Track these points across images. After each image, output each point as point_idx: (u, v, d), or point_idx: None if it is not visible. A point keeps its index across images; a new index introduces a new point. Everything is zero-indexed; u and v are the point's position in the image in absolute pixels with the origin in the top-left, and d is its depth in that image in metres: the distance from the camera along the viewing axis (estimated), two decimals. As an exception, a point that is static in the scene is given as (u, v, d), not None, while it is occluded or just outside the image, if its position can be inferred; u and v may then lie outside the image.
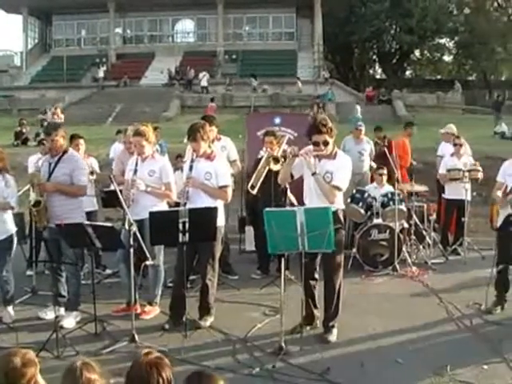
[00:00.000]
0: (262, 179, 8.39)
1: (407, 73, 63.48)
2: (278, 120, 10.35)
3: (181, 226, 6.06)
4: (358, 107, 31.87)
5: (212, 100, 35.38)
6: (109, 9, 47.92)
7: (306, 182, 6.36)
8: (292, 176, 6.48)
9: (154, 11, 48.41)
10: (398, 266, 9.08)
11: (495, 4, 57.95)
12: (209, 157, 6.73)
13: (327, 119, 6.35)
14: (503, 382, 5.33)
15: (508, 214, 7.11)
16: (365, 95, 40.93)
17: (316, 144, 6.18)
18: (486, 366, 5.64)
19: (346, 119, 29.20)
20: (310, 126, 6.35)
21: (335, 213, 6.11)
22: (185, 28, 52.91)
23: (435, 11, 51.31)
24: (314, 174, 6.11)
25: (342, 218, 6.36)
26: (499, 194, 7.31)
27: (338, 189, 6.21)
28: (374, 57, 62.07)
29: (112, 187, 6.72)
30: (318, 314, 6.56)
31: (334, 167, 6.21)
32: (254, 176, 8.47)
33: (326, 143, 6.17)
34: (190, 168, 6.64)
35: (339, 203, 6.32)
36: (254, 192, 8.48)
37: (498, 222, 7.28)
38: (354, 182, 10.94)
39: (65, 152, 6.93)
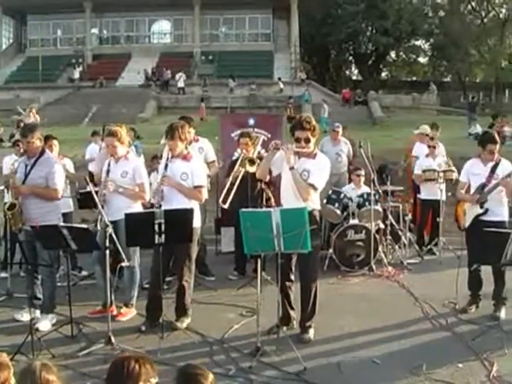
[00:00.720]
0: (234, 189, 8.38)
1: (383, 74, 63.90)
2: (251, 121, 10.34)
3: (157, 228, 6.04)
4: (326, 107, 32.00)
5: (202, 100, 35.38)
6: (85, 9, 47.69)
7: (283, 178, 6.38)
8: (270, 172, 6.49)
9: (130, 12, 48.27)
10: (374, 266, 9.12)
11: (469, 7, 58.57)
12: (185, 157, 6.72)
13: (311, 117, 6.38)
14: (478, 380, 5.38)
15: (476, 215, 7.20)
16: (341, 96, 41.10)
17: (298, 140, 6.21)
18: (461, 365, 5.69)
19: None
20: (294, 122, 6.38)
21: (311, 213, 6.13)
22: (161, 29, 52.85)
23: (410, 13, 51.81)
24: (291, 168, 6.13)
25: (317, 219, 6.38)
26: (463, 192, 7.40)
27: (314, 187, 6.22)
28: (351, 58, 62.40)
29: (88, 188, 6.68)
30: (295, 314, 6.57)
31: (313, 167, 6.23)
32: (225, 190, 8.47)
33: (307, 140, 6.19)
34: (166, 167, 6.62)
35: (315, 204, 6.34)
36: (226, 206, 8.47)
37: (466, 222, 7.36)
38: (332, 183, 11.00)
39: (41, 154, 6.87)
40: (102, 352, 5.91)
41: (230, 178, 8.49)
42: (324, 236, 9.84)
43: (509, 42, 59.70)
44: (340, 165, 11.58)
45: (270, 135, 9.69)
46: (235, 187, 8.38)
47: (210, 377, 3.02)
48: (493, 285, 7.20)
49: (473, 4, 58.26)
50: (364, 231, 9.24)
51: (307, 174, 6.19)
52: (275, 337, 6.09)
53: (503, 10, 57.94)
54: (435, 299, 7.70)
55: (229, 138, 10.52)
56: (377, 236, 9.29)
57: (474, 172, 7.37)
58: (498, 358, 5.79)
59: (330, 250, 9.26)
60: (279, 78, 43.43)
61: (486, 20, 58.53)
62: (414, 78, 65.13)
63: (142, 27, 51.71)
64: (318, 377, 5.44)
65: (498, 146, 7.21)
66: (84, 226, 6.81)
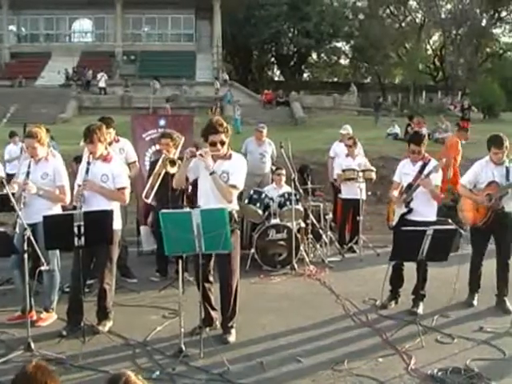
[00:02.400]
0: (157, 184, 8.34)
1: (305, 75, 64.74)
2: (162, 122, 10.30)
3: (76, 230, 5.93)
4: (238, 107, 32.17)
5: (167, 101, 34.94)
6: (2, 5, 46.47)
7: (201, 184, 6.37)
8: (187, 179, 6.48)
9: (50, 9, 47.28)
10: (295, 265, 9.20)
11: (388, 11, 60.10)
12: (105, 159, 6.63)
13: (222, 120, 6.38)
14: (397, 373, 5.51)
15: (402, 213, 7.39)
16: (263, 97, 41.34)
17: (213, 144, 6.20)
18: (381, 359, 5.84)
19: (244, 121, 29.61)
20: (205, 126, 6.35)
21: (230, 213, 6.17)
22: (82, 27, 52.03)
23: (332, 16, 52.65)
24: (212, 173, 6.12)
25: (237, 219, 6.41)
26: (395, 193, 7.58)
27: (236, 188, 6.25)
28: (273, 59, 62.94)
29: (5, 191, 6.51)
30: (216, 315, 6.57)
31: (231, 167, 6.25)
32: (148, 186, 8.42)
33: (222, 143, 6.20)
34: (87, 171, 6.51)
35: (234, 204, 6.38)
36: (149, 201, 8.42)
37: (394, 221, 7.56)
38: (256, 183, 11.09)
39: None
40: (22, 359, 5.73)
41: (153, 175, 8.43)
42: (246, 236, 9.90)
43: (425, 46, 61.59)
44: (264, 165, 11.66)
45: (182, 136, 9.65)
46: (157, 184, 8.33)
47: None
48: (411, 281, 7.40)
49: (391, 8, 59.91)
50: (285, 230, 9.33)
51: (226, 176, 6.20)
52: (198, 338, 6.08)
53: (419, 15, 59.73)
54: (356, 296, 7.86)
55: (140, 139, 10.45)
56: (298, 235, 9.38)
57: (405, 172, 7.57)
58: (416, 351, 5.97)
59: (252, 250, 9.31)
60: (216, 78, 43.47)
61: (403, 24, 60.25)
62: (335, 79, 66.32)
63: (62, 25, 50.71)
64: (241, 376, 5.46)
65: (422, 148, 7.38)
66: (1, 229, 6.63)
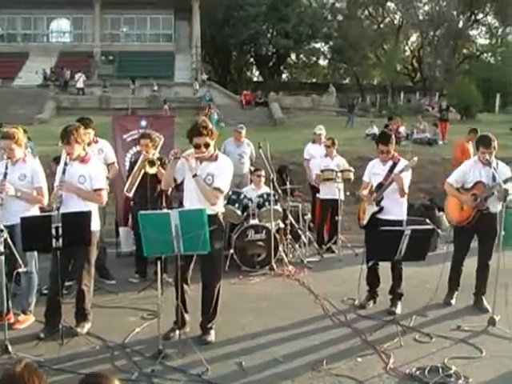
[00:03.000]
0: (137, 183, 8.33)
1: (283, 76, 64.92)
2: (144, 123, 10.26)
3: (54, 231, 5.90)
4: (216, 109, 32.19)
5: (165, 102, 34.79)
6: (-22, 5, 45.97)
7: (186, 185, 6.35)
8: (175, 180, 6.46)
9: (27, 9, 46.92)
10: (274, 266, 9.22)
11: (366, 12, 60.50)
12: (83, 160, 6.58)
13: (207, 121, 6.36)
14: (376, 373, 5.56)
15: (373, 213, 7.44)
16: (241, 98, 41.37)
17: (197, 146, 6.18)
18: (360, 359, 5.87)
19: (223, 121, 29.65)
20: (190, 128, 6.33)
21: (216, 216, 6.17)
22: (60, 27, 51.74)
23: (310, 17, 52.84)
24: (194, 176, 6.12)
25: (222, 221, 6.41)
26: (365, 192, 7.63)
27: (220, 191, 6.23)
28: (252, 60, 63.05)
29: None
30: (189, 318, 6.53)
31: (216, 170, 6.23)
32: (129, 180, 8.41)
33: (206, 145, 6.18)
34: (64, 172, 6.46)
35: (219, 206, 6.37)
36: (131, 195, 8.41)
37: (365, 220, 7.60)
38: (235, 184, 11.08)
39: None
40: (-1, 362, 5.72)
41: (132, 174, 8.41)
42: (225, 236, 9.89)
43: (403, 47, 62.10)
44: (243, 166, 11.65)
45: (162, 137, 9.63)
46: (137, 181, 8.31)
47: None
48: (389, 281, 7.46)
49: (369, 10, 60.35)
50: (264, 231, 9.35)
51: (211, 178, 6.19)
52: (177, 339, 6.08)
53: (397, 17, 60.22)
54: (335, 296, 7.89)
55: (121, 140, 10.41)
56: (277, 235, 9.40)
57: (375, 172, 7.62)
58: (395, 350, 6.02)
59: (231, 251, 9.31)
60: (196, 79, 43.40)
61: (382, 25, 60.75)
62: (314, 80, 66.56)
63: (39, 25, 50.38)
64: (220, 377, 5.46)
65: (390, 147, 7.44)
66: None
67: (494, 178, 7.22)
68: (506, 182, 7.08)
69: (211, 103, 35.87)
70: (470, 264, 7.60)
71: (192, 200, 6.26)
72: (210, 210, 6.04)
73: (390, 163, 7.46)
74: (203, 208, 5.81)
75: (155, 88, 40.56)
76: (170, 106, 34.45)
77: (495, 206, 7.34)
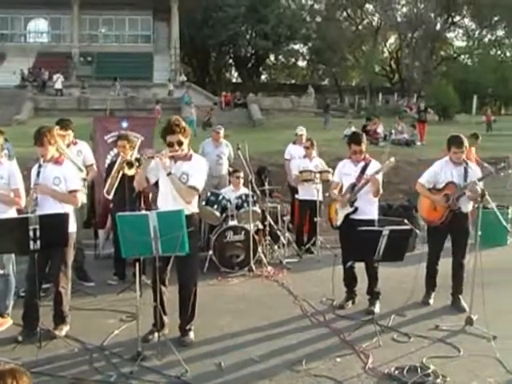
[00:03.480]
0: (116, 184, 8.29)
1: (262, 77, 65.01)
2: (125, 124, 10.22)
3: (31, 233, 5.85)
4: (193, 110, 32.16)
5: (157, 102, 34.56)
6: (-46, 4, 45.48)
7: (161, 185, 6.33)
8: (148, 180, 6.43)
9: (4, 8, 46.45)
10: (253, 267, 9.23)
11: (345, 14, 60.79)
12: (57, 161, 6.53)
13: (180, 120, 6.34)
14: (355, 373, 5.57)
15: (347, 213, 7.47)
16: (221, 99, 41.36)
17: (170, 145, 6.17)
18: (338, 359, 5.89)
19: (202, 122, 29.62)
20: (164, 127, 6.31)
21: (191, 216, 6.15)
22: (38, 27, 51.34)
23: (289, 18, 52.97)
24: (169, 174, 6.10)
25: (197, 222, 6.39)
26: (336, 192, 7.66)
27: (195, 189, 6.21)
28: (231, 61, 63.09)
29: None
30: (168, 320, 6.50)
31: (190, 169, 6.22)
32: (109, 182, 8.36)
33: (180, 143, 6.16)
34: (38, 174, 6.41)
35: (194, 206, 6.36)
36: (110, 197, 8.37)
37: (338, 221, 7.63)
38: (213, 185, 11.08)
39: None
40: (-24, 365, 5.66)
41: (111, 175, 8.36)
42: (203, 238, 9.89)
43: (381, 49, 62.53)
44: (221, 167, 11.67)
45: (143, 138, 9.59)
46: (116, 182, 8.27)
47: None
48: (367, 280, 7.50)
49: (348, 11, 60.60)
50: (243, 232, 9.34)
51: (186, 177, 6.18)
52: (156, 341, 6.06)
53: (375, 18, 60.61)
54: (313, 297, 7.91)
55: (102, 141, 10.37)
56: (256, 237, 9.42)
57: (346, 172, 7.64)
58: (373, 350, 6.05)
59: (210, 252, 9.29)
60: (169, 80, 43.29)
61: (360, 27, 61.08)
62: (293, 81, 66.73)
63: (17, 25, 49.99)
64: (199, 378, 5.45)
65: (363, 147, 7.48)
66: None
67: (465, 178, 7.32)
68: (478, 181, 7.19)
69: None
70: (447, 264, 7.65)
71: (167, 199, 6.24)
72: (186, 210, 6.02)
73: (362, 164, 7.51)
74: (181, 209, 5.79)
75: (128, 89, 40.37)
76: (162, 107, 34.24)
77: (466, 206, 7.46)
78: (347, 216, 7.46)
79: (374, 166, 7.43)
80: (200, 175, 6.29)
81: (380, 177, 7.37)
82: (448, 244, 7.71)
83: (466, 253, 7.52)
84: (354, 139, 7.61)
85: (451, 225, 7.41)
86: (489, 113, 33.73)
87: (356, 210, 7.39)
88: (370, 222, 7.12)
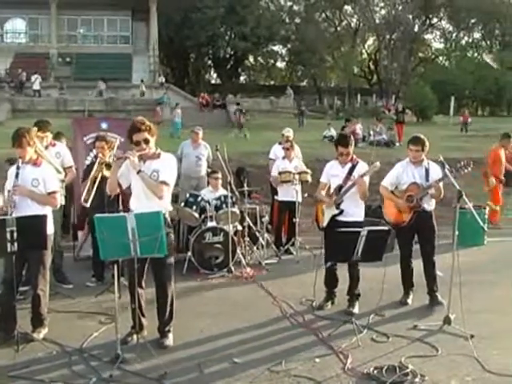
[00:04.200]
0: (95, 187, 8.24)
1: (241, 78, 64.99)
2: (104, 125, 10.18)
3: (8, 235, 5.80)
4: (179, 111, 32.11)
5: (159, 104, 34.32)
6: None
7: (133, 187, 6.29)
8: (120, 185, 6.39)
9: (-20, 8, 45.98)
10: (232, 268, 9.22)
11: (323, 15, 60.98)
12: (35, 163, 6.48)
13: (144, 119, 6.32)
14: (334, 373, 5.58)
15: (333, 215, 7.49)
16: (200, 100, 41.30)
17: (137, 143, 6.15)
18: (318, 359, 5.90)
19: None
20: (129, 127, 6.30)
21: (163, 216, 6.13)
22: (15, 28, 50.85)
23: (268, 19, 53.06)
24: (138, 172, 6.08)
25: (170, 222, 6.38)
26: (323, 193, 7.68)
27: (166, 184, 6.17)
28: (210, 62, 62.97)
29: None
30: (146, 322, 6.47)
31: (160, 166, 6.19)
32: (86, 189, 8.29)
33: (146, 141, 6.14)
34: (16, 175, 6.36)
35: (167, 204, 6.35)
36: (87, 205, 8.29)
37: (324, 222, 7.65)
38: (192, 186, 11.06)
39: None
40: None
41: (89, 179, 8.31)
42: (182, 239, 9.87)
43: (360, 50, 62.87)
44: (199, 168, 11.67)
45: (123, 139, 9.57)
46: (95, 187, 8.22)
47: None
48: (346, 281, 7.53)
49: (327, 13, 60.81)
50: (222, 233, 9.33)
51: (157, 175, 6.15)
52: (135, 343, 6.03)
53: (354, 20, 60.92)
54: (293, 298, 7.92)
55: (81, 143, 10.32)
56: (235, 238, 9.41)
57: (333, 173, 7.65)
58: (352, 350, 6.06)
59: (189, 253, 9.27)
60: (142, 81, 43.12)
61: (339, 28, 61.31)
62: (272, 82, 66.81)
63: (-7, 25, 49.52)
64: (179, 380, 5.45)
65: (349, 149, 7.50)
66: None
67: (427, 178, 7.42)
68: (440, 180, 7.33)
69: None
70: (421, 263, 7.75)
71: (139, 198, 6.21)
72: (163, 210, 6.00)
73: (349, 165, 7.52)
74: (160, 211, 5.77)
75: (102, 89, 40.16)
76: (136, 108, 34.09)
77: (430, 205, 7.58)
78: (333, 217, 7.49)
79: (362, 167, 7.45)
80: (170, 171, 6.27)
81: (367, 179, 7.41)
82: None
83: (435, 251, 7.65)
84: (341, 141, 7.63)
85: (417, 224, 7.52)
86: (466, 113, 34.00)
87: (342, 211, 7.42)
88: (356, 224, 7.09)
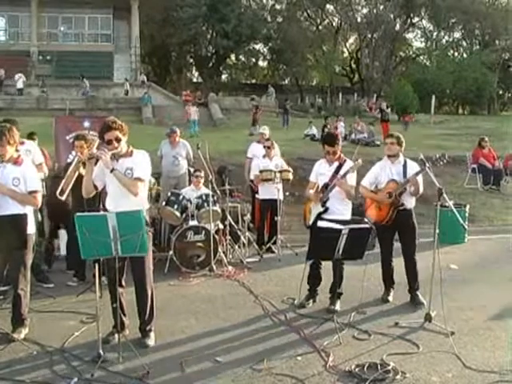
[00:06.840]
0: (71, 184, 8.19)
1: (223, 77, 64.86)
2: (87, 124, 10.14)
3: (-12, 236, 5.77)
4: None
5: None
6: None
7: (109, 187, 6.27)
8: (96, 187, 6.36)
9: (-41, 5, 45.48)
10: (214, 267, 9.23)
11: (305, 14, 61.11)
12: (16, 161, 6.42)
13: (116, 119, 6.30)
14: (316, 371, 5.60)
15: (319, 213, 7.52)
16: (182, 99, 41.17)
17: (109, 142, 6.13)
18: (299, 358, 5.92)
19: (162, 122, 29.34)
20: (100, 126, 6.29)
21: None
22: (-5, 25, 50.29)
23: (250, 18, 53.04)
24: (112, 170, 6.06)
25: (148, 220, 6.36)
26: (312, 192, 7.70)
27: (140, 180, 6.16)
28: (191, 60, 62.79)
29: None
30: (128, 321, 6.47)
31: (133, 164, 6.19)
32: (64, 181, 8.24)
33: (118, 139, 6.11)
34: (-4, 174, 6.32)
35: (144, 202, 6.33)
36: (63, 198, 8.25)
37: (311, 220, 7.67)
38: (172, 185, 11.03)
39: None
40: None
41: (66, 176, 8.26)
42: (164, 238, 9.85)
43: (341, 49, 63.09)
44: (178, 168, 11.64)
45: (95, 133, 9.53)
46: (71, 183, 8.18)
47: None
48: (329, 279, 7.54)
49: (309, 12, 60.94)
50: (203, 232, 9.34)
51: (131, 172, 6.14)
52: (116, 342, 6.01)
53: (336, 19, 61.11)
54: (275, 296, 7.95)
55: (64, 141, 10.28)
56: (216, 236, 9.41)
57: (321, 172, 7.71)
58: (334, 348, 6.10)
59: (171, 252, 9.26)
60: (126, 79, 42.94)
61: (320, 27, 61.48)
62: (254, 81, 66.76)
63: (-28, 23, 49.00)
64: (161, 379, 5.44)
65: (336, 148, 7.54)
66: None
67: (404, 175, 7.50)
68: (417, 174, 7.39)
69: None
70: (402, 261, 7.78)
71: (115, 197, 6.19)
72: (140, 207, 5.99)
73: (336, 164, 7.56)
74: (140, 210, 5.75)
75: (87, 88, 39.94)
76: (119, 107, 33.86)
77: (410, 202, 7.63)
78: (319, 215, 7.50)
79: (348, 166, 7.47)
80: (143, 167, 6.25)
81: (352, 177, 7.46)
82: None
83: (415, 247, 7.69)
84: (327, 140, 7.68)
85: (397, 223, 7.57)
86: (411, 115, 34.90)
87: (326, 209, 7.45)
88: (341, 222, 7.10)
